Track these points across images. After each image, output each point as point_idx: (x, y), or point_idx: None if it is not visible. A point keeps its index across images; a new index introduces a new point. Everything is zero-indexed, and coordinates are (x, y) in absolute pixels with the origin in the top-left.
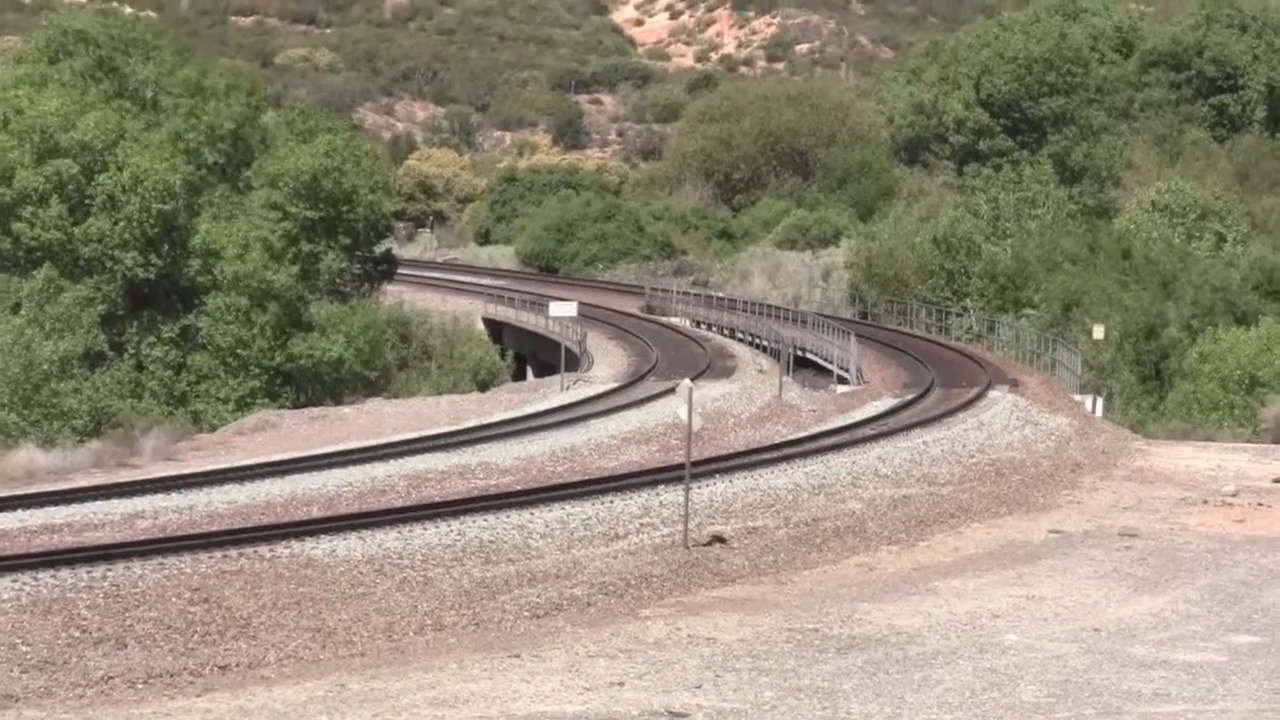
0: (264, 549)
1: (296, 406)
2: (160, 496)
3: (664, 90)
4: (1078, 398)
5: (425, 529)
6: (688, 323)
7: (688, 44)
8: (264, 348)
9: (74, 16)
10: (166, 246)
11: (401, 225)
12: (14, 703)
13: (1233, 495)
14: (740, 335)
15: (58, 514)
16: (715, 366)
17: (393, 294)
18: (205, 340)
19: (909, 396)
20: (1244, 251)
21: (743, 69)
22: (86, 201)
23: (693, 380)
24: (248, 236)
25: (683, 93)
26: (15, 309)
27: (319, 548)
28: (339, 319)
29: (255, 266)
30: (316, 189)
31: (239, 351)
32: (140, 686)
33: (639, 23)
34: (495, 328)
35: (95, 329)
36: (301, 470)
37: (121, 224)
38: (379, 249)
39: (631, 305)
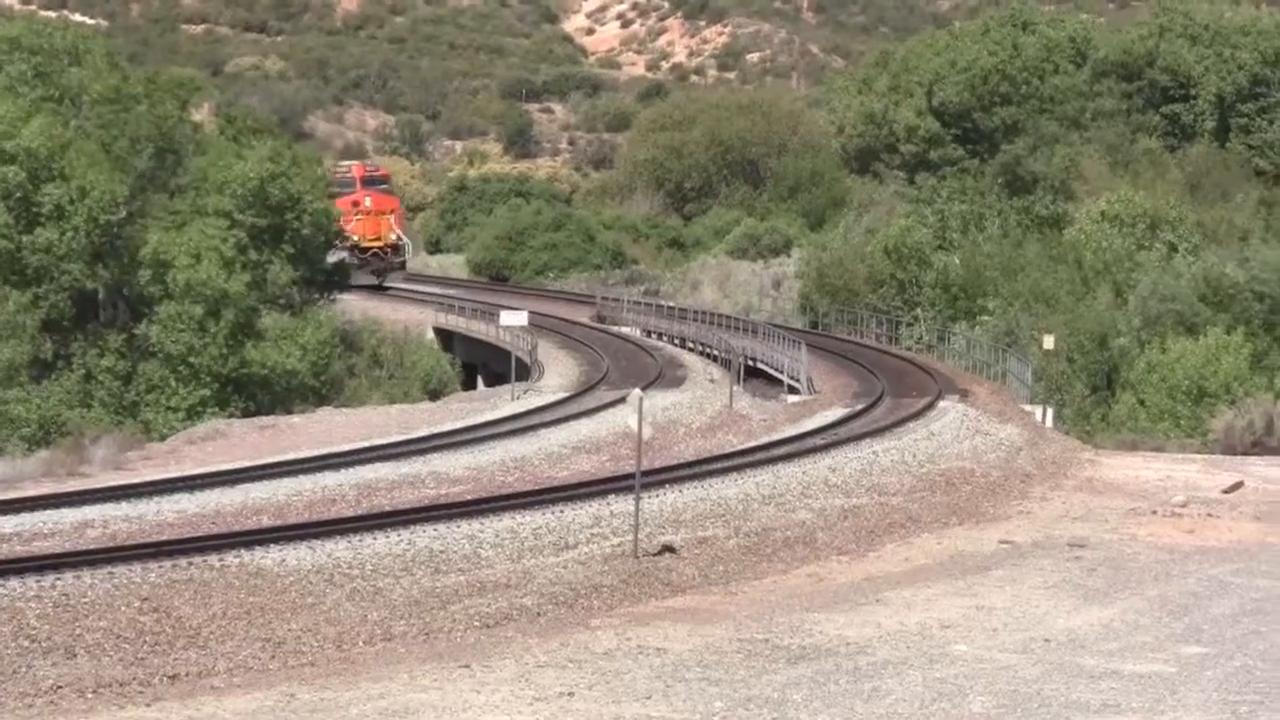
0: (214, 558)
1: (246, 415)
2: (110, 506)
3: (615, 99)
4: (1028, 408)
5: (375, 538)
6: (638, 332)
7: (639, 53)
8: (216, 355)
9: (8, 25)
10: (113, 259)
11: None
12: None
13: (1182, 506)
14: (691, 345)
15: (6, 523)
16: (666, 376)
17: (343, 303)
18: (156, 348)
19: (859, 406)
20: (1192, 262)
21: (694, 78)
22: (34, 209)
23: (643, 390)
24: (199, 245)
25: (634, 102)
26: None
27: (269, 557)
28: (292, 330)
29: (209, 274)
30: (263, 196)
31: (190, 360)
32: (89, 696)
33: (590, 31)
34: (446, 337)
35: (40, 336)
36: (251, 479)
37: (69, 234)
38: (331, 258)
39: (582, 314)
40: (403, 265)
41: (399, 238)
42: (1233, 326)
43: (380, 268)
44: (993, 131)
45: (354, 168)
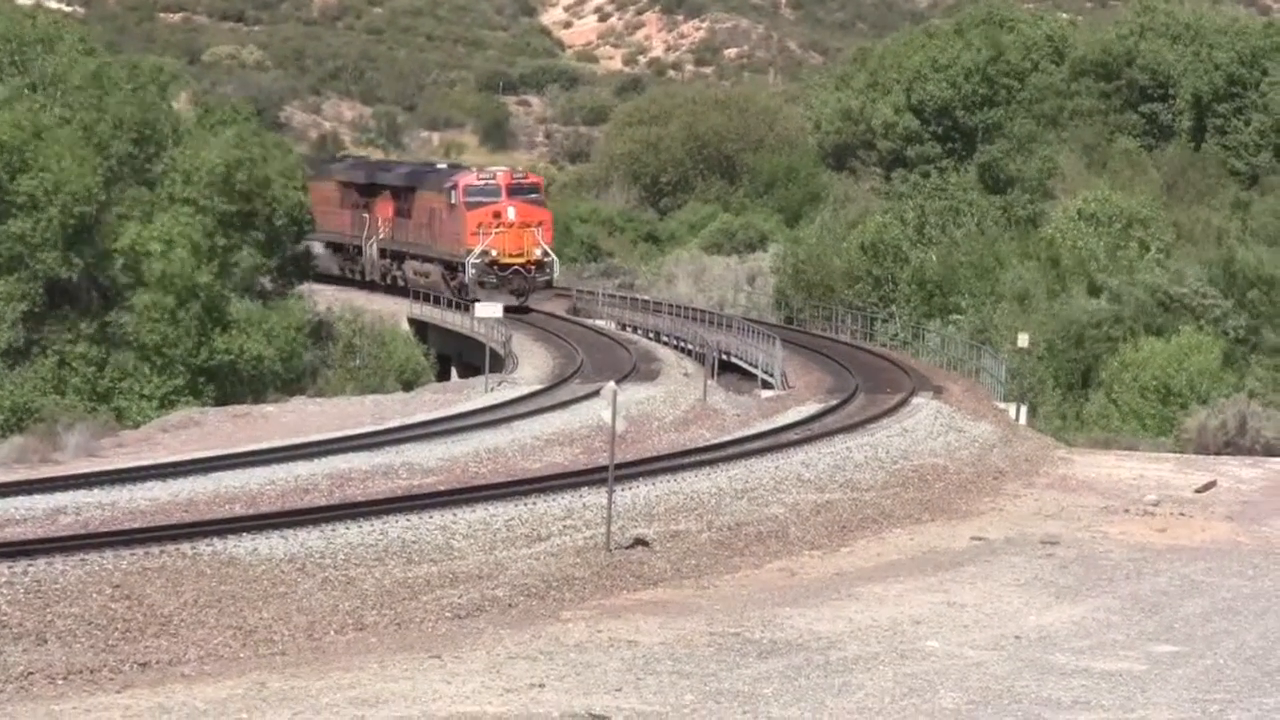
0: (186, 546)
1: (219, 404)
2: (83, 492)
3: (592, 93)
4: (1002, 405)
5: (348, 528)
6: (613, 325)
7: (616, 47)
8: (190, 347)
9: None
10: (88, 248)
11: None
12: None
13: (1155, 505)
14: (665, 338)
15: None
16: (640, 369)
17: (317, 293)
18: (131, 338)
19: (833, 402)
20: (1157, 261)
21: (671, 73)
22: (7, 199)
23: (617, 383)
24: (171, 233)
25: (611, 95)
26: None
27: (241, 546)
28: (260, 318)
29: (182, 265)
30: (230, 181)
31: (165, 350)
32: (60, 682)
33: (567, 25)
34: (420, 327)
35: (19, 325)
36: (224, 468)
37: (43, 224)
38: (302, 246)
39: (557, 307)
40: (548, 284)
41: (545, 253)
42: (1202, 327)
43: (521, 287)
44: (972, 130)
45: (500, 175)
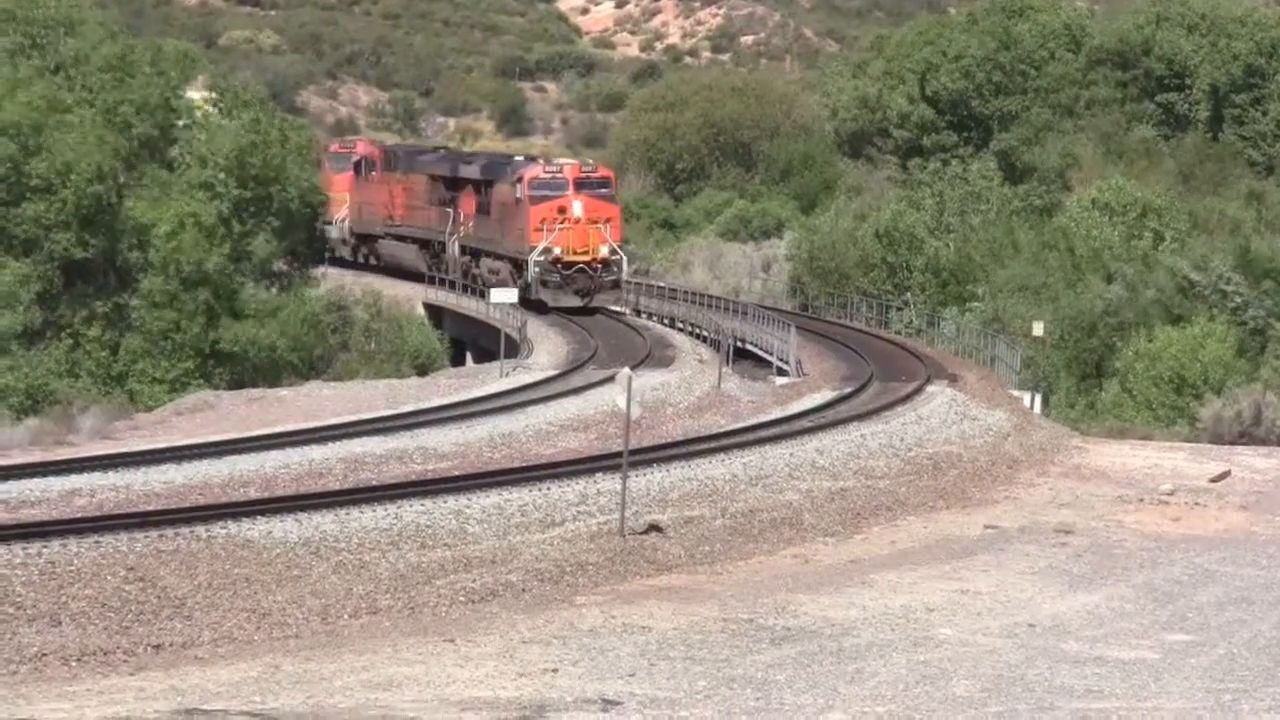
0: (200, 529)
1: (230, 388)
2: (97, 475)
3: (608, 79)
4: (1016, 394)
5: (362, 512)
6: (628, 312)
7: (633, 33)
8: (196, 334)
9: None
10: (102, 229)
11: None
12: None
13: (1169, 494)
14: (680, 325)
15: None
16: (655, 356)
17: (334, 277)
18: (139, 322)
19: (847, 389)
20: (1173, 250)
21: (687, 59)
22: (23, 180)
23: (632, 369)
24: (179, 214)
25: (627, 82)
26: None
27: (255, 529)
28: (273, 307)
29: (188, 247)
30: (245, 166)
31: (171, 335)
32: (74, 664)
33: (584, 11)
34: (435, 313)
35: (33, 306)
36: (239, 451)
37: (57, 206)
38: (320, 228)
39: None
40: (615, 284)
41: (612, 251)
42: (1214, 316)
43: (585, 286)
44: (988, 120)
45: (568, 168)
